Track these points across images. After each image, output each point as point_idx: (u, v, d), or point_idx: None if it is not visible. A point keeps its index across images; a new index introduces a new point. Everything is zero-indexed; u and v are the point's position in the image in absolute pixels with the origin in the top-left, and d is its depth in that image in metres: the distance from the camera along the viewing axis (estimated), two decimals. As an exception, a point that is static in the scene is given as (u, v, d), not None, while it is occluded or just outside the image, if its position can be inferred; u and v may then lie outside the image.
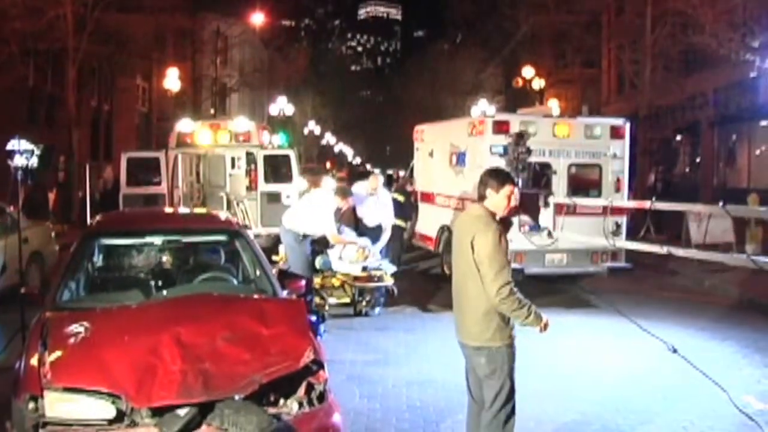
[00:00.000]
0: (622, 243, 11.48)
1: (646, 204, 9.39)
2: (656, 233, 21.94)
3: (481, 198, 5.11)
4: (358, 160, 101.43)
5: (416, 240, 16.07)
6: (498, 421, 5.02)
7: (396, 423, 6.70)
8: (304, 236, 10.43)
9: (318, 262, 10.97)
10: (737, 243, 15.71)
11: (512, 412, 5.09)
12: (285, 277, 7.02)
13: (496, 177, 5.12)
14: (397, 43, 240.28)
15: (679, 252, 8.97)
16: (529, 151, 11.55)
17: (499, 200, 5.05)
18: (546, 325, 5.02)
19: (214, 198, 17.84)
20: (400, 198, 14.41)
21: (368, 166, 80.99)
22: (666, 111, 27.13)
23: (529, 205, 11.20)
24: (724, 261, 8.36)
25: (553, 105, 10.88)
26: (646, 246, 9.65)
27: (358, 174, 35.65)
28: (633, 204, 11.60)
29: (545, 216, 11.70)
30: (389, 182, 21.58)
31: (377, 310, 11.04)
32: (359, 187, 12.70)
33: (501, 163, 11.43)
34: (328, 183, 11.61)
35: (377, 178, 12.97)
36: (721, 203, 8.43)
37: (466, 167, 13.13)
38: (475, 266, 4.93)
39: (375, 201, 12.44)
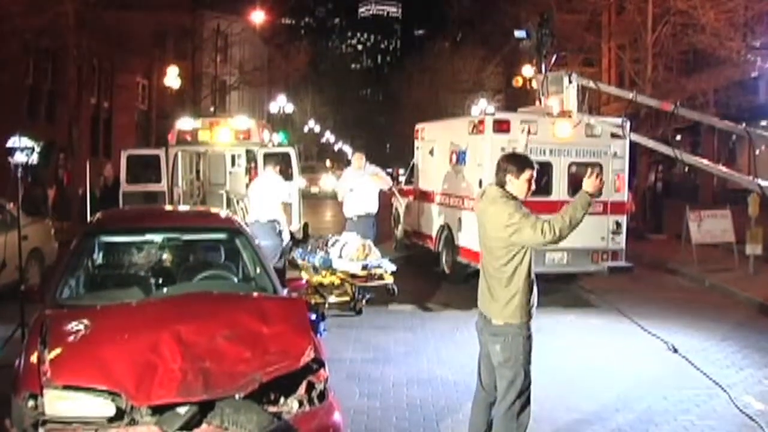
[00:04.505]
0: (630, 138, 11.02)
1: (670, 107, 9.35)
2: (656, 232, 21.88)
3: (501, 185, 5.10)
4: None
5: (416, 239, 16.06)
6: (512, 412, 5.02)
7: (396, 421, 6.69)
8: (280, 231, 11.26)
9: (318, 260, 10.97)
10: (738, 242, 15.74)
11: (527, 402, 5.09)
12: None
13: (515, 162, 5.11)
14: (397, 42, 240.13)
15: (691, 160, 8.79)
16: (552, 35, 11.31)
17: (519, 185, 5.05)
18: (596, 186, 4.79)
19: (214, 196, 17.83)
20: None
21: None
22: (666, 110, 27.10)
23: None
24: (740, 181, 8.22)
25: (554, 104, 10.79)
26: (656, 144, 9.60)
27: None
28: (654, 102, 11.30)
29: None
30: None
31: (368, 296, 11.10)
32: (347, 172, 13.40)
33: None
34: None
35: (362, 157, 13.23)
36: (743, 124, 8.28)
37: (466, 166, 13.11)
38: (494, 247, 4.97)
39: (362, 175, 12.74)
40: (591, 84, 11.10)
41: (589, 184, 4.81)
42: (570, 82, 10.72)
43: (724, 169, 7.57)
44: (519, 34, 11.61)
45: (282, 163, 16.04)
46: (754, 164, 7.92)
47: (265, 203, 11.45)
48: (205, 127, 16.52)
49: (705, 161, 7.91)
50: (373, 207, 12.63)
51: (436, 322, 10.58)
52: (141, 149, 20.21)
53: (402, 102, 65.43)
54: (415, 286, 12.90)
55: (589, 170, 4.89)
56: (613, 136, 12.45)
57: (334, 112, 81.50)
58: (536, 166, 5.21)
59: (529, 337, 5.06)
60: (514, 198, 5.04)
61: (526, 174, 5.04)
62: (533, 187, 5.12)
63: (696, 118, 10.44)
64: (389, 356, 8.83)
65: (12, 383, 4.61)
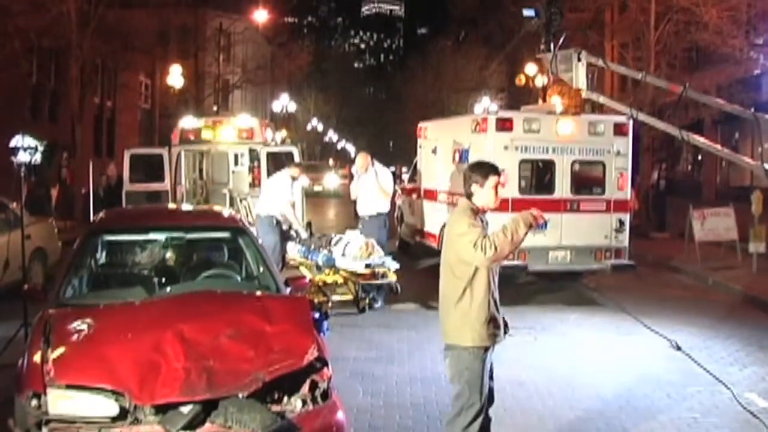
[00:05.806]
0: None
1: (679, 89, 9.36)
2: (659, 231, 21.82)
3: (469, 196, 5.00)
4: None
5: (419, 237, 16.04)
6: (460, 425, 4.95)
7: (399, 420, 6.69)
8: (278, 223, 11.71)
9: (321, 258, 10.97)
10: (741, 240, 15.72)
11: (474, 419, 4.94)
12: None
13: (479, 170, 5.01)
14: (399, 40, 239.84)
15: (697, 141, 8.75)
16: (561, 14, 11.26)
17: (486, 193, 4.94)
18: (539, 216, 4.70)
19: (217, 195, 17.83)
20: None
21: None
22: (669, 108, 27.08)
23: None
24: (746, 165, 8.20)
25: (556, 102, 10.81)
26: (665, 125, 9.59)
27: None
28: (664, 83, 11.29)
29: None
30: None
31: (379, 303, 11.08)
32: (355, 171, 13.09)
33: (505, 158, 11.37)
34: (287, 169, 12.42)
35: (366, 157, 12.62)
36: (752, 109, 8.22)
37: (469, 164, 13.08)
38: (449, 262, 4.93)
39: (370, 177, 12.35)
40: (600, 62, 11.10)
41: (537, 214, 4.71)
42: (579, 60, 10.76)
43: (729, 151, 7.54)
44: (528, 13, 11.56)
45: (286, 161, 16.12)
46: (761, 150, 7.89)
47: (270, 199, 11.86)
48: (208, 126, 16.54)
49: (709, 143, 7.86)
50: (384, 207, 12.51)
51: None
52: (144, 148, 20.25)
53: (405, 100, 65.36)
54: (418, 285, 12.87)
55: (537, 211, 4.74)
56: (617, 133, 12.44)
57: (337, 111, 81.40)
58: (502, 171, 5.10)
59: (481, 351, 4.91)
60: (476, 213, 4.93)
61: (491, 181, 4.92)
62: (501, 193, 5.03)
63: (704, 100, 10.42)
64: (392, 355, 8.82)
65: (15, 382, 4.62)
